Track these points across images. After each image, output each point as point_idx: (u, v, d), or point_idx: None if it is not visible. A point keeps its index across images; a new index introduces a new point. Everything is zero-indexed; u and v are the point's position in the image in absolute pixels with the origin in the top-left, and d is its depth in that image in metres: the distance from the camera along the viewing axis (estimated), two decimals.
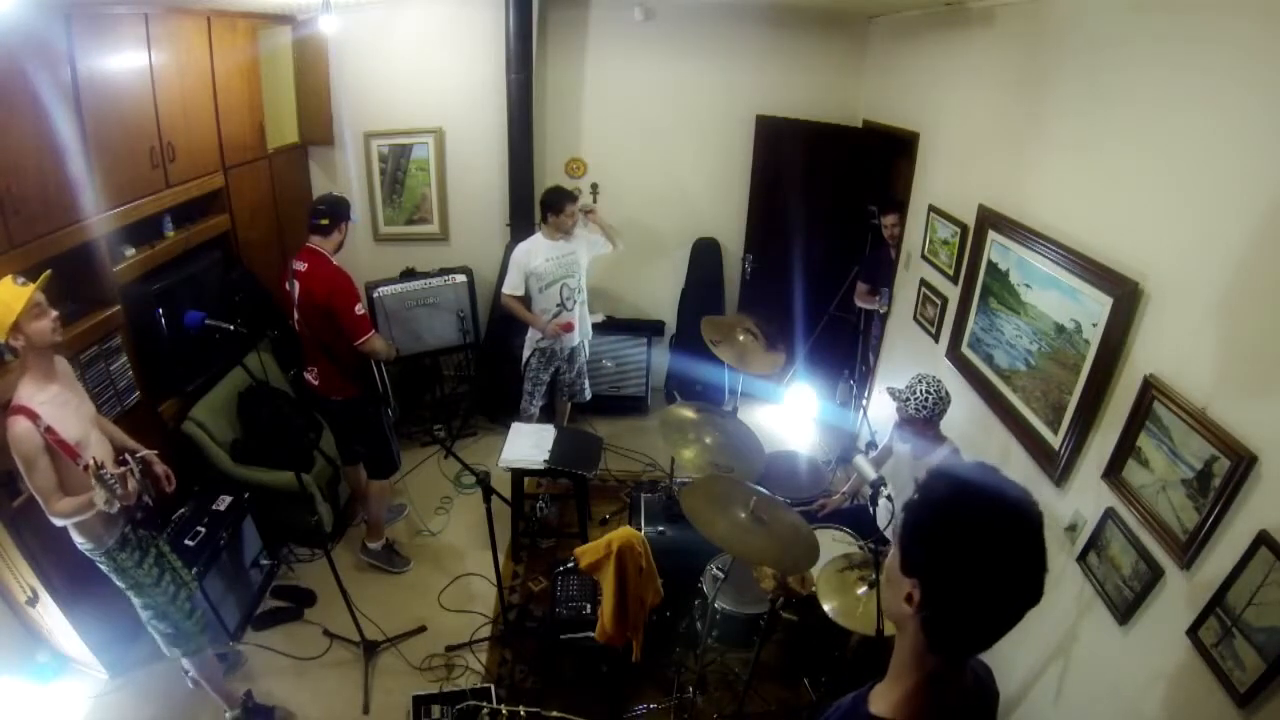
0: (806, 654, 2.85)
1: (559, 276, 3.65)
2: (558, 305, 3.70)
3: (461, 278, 4.41)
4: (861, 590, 2.34)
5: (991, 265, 2.78)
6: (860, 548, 2.78)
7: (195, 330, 2.37)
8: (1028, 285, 2.52)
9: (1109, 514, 2.00)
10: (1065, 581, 2.19)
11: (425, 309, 4.35)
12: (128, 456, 2.22)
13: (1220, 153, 1.69)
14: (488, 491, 2.58)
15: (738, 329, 3.42)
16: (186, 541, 2.76)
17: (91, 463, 1.91)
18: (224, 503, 3.00)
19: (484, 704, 2.56)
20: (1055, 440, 2.29)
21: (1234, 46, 1.66)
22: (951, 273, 3.17)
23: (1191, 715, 1.67)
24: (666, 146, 4.64)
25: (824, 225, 4.50)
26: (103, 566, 2.28)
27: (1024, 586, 0.86)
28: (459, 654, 2.99)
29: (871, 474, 2.12)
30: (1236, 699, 1.51)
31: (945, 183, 3.36)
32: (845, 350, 4.65)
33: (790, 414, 4.67)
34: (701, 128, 4.61)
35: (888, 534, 2.69)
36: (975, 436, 2.79)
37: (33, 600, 2.45)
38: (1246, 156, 1.61)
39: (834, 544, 2.79)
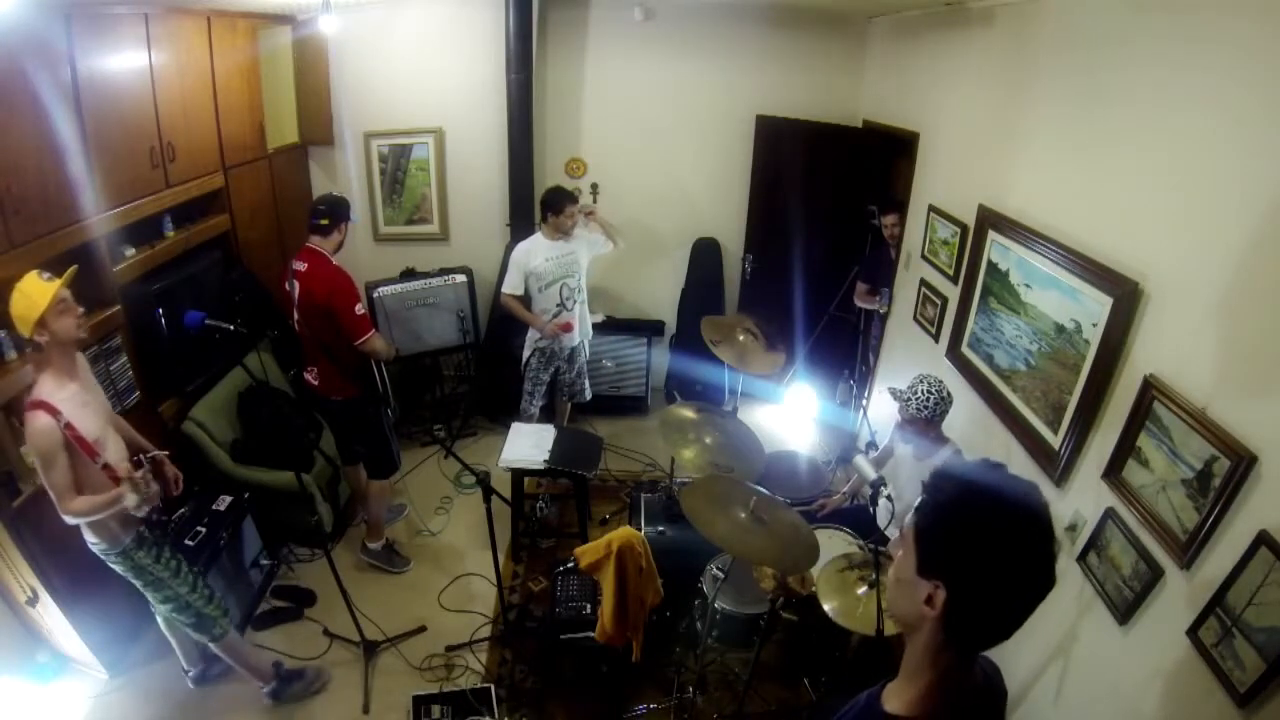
0: (806, 654, 2.85)
1: (559, 276, 3.65)
2: (557, 305, 3.69)
3: (461, 278, 4.41)
4: (861, 590, 2.34)
5: (991, 265, 2.78)
6: (860, 548, 2.78)
7: (195, 330, 2.37)
8: (1028, 285, 2.52)
9: (1109, 514, 2.00)
10: (1065, 581, 2.19)
11: (425, 309, 4.35)
12: (141, 457, 2.23)
13: (1220, 153, 1.69)
14: (488, 491, 2.58)
15: (738, 329, 3.42)
16: (186, 541, 2.76)
17: (129, 465, 1.92)
18: (224, 503, 3.00)
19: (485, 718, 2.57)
20: (1055, 440, 2.29)
21: (1234, 46, 1.66)
22: (951, 273, 3.17)
23: (1191, 715, 1.67)
24: (666, 146, 4.64)
25: (824, 225, 4.50)
26: (117, 567, 2.27)
27: (1043, 576, 0.88)
28: (459, 654, 2.99)
29: (871, 474, 2.13)
30: (1236, 699, 1.51)
31: (945, 183, 3.36)
32: (845, 350, 4.65)
33: (790, 414, 4.67)
34: (701, 128, 4.61)
35: (889, 533, 2.70)
36: (975, 437, 2.79)
37: (33, 600, 2.45)
38: (1246, 156, 1.61)
39: (834, 544, 2.79)
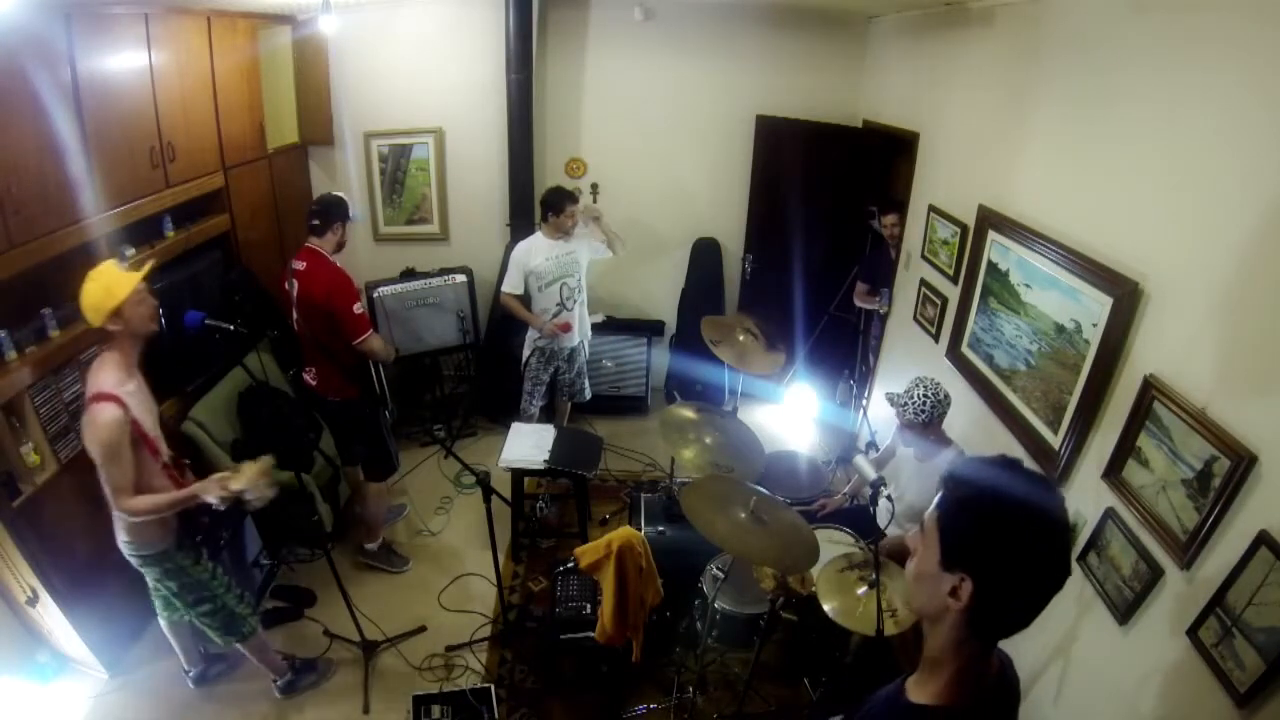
0: (806, 654, 2.85)
1: (559, 276, 3.65)
2: (557, 305, 3.70)
3: (461, 278, 4.41)
4: (861, 590, 2.33)
5: (991, 265, 2.78)
6: (860, 548, 2.78)
7: (195, 330, 2.37)
8: (1028, 285, 2.52)
9: (1109, 514, 2.00)
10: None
11: (425, 309, 4.35)
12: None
13: (1220, 152, 1.69)
14: (488, 491, 2.59)
15: (738, 329, 3.42)
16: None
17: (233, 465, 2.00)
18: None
19: None
20: (1055, 440, 2.29)
21: (1234, 46, 1.66)
22: (951, 273, 3.17)
23: (1191, 715, 1.67)
24: (666, 146, 4.64)
25: (824, 225, 4.50)
26: (151, 571, 2.26)
27: (1061, 564, 0.92)
28: (459, 654, 2.99)
29: (871, 474, 2.13)
30: (1236, 699, 1.52)
31: (945, 183, 3.36)
32: (845, 350, 4.65)
33: (790, 414, 4.67)
34: (701, 128, 4.61)
35: (889, 533, 2.70)
36: (975, 437, 2.79)
37: (33, 600, 2.45)
38: (1246, 156, 1.61)
39: (834, 544, 2.79)
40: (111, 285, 2.01)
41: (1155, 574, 1.81)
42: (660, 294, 4.99)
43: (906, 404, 2.49)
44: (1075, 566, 2.13)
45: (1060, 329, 2.30)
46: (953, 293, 3.15)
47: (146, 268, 2.12)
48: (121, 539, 2.21)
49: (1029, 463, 2.40)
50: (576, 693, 2.79)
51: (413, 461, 4.24)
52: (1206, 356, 1.70)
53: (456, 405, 4.78)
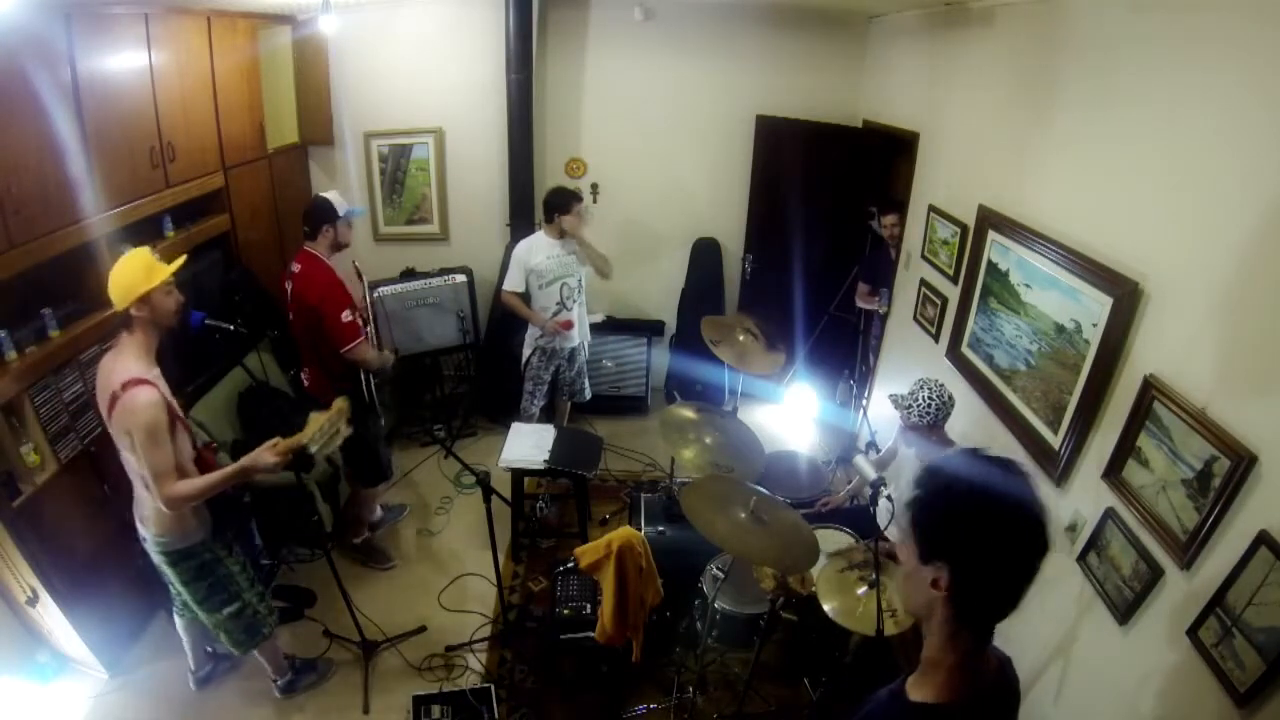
0: (806, 654, 2.85)
1: (559, 275, 3.65)
2: (557, 304, 3.69)
3: (461, 278, 4.41)
4: (861, 590, 2.34)
5: (991, 265, 2.78)
6: (863, 546, 2.78)
7: (195, 330, 2.36)
8: (1028, 285, 2.52)
9: (1109, 514, 2.00)
10: (1065, 581, 2.19)
11: (425, 309, 4.35)
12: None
13: (1220, 152, 1.69)
14: (488, 491, 2.59)
15: (738, 329, 3.42)
16: None
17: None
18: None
19: None
20: (1055, 440, 2.29)
21: (1234, 46, 1.66)
22: (951, 273, 3.17)
23: (1191, 715, 1.67)
24: (666, 146, 4.64)
25: (824, 225, 4.50)
26: (184, 571, 2.24)
27: (1035, 539, 0.94)
28: (459, 654, 2.99)
29: (872, 474, 2.12)
30: (1236, 699, 1.52)
31: (945, 183, 3.36)
32: (845, 350, 4.65)
33: (790, 414, 4.67)
34: (701, 128, 4.61)
35: (889, 534, 2.70)
36: (976, 437, 2.79)
37: (33, 600, 2.45)
38: (1246, 156, 1.61)
39: (834, 544, 2.79)
40: (151, 269, 2.02)
41: (1155, 574, 1.81)
42: (660, 294, 4.99)
43: (911, 406, 2.48)
44: (1077, 566, 2.13)
45: (1060, 329, 2.30)
46: (953, 293, 3.15)
47: (179, 261, 2.13)
48: (153, 535, 2.18)
49: (1029, 463, 2.41)
50: (576, 693, 2.79)
51: (413, 461, 4.24)
52: (1206, 356, 1.70)
53: (456, 405, 4.78)
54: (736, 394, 3.92)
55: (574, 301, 3.74)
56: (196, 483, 2.07)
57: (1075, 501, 2.19)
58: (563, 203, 3.54)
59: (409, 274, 4.41)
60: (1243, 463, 1.54)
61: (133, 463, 2.06)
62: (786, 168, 4.49)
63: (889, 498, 2.03)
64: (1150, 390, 1.85)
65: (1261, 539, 1.49)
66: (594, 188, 4.73)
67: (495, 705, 2.69)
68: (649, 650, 2.70)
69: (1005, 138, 2.77)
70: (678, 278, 4.95)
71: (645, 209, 4.78)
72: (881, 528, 2.39)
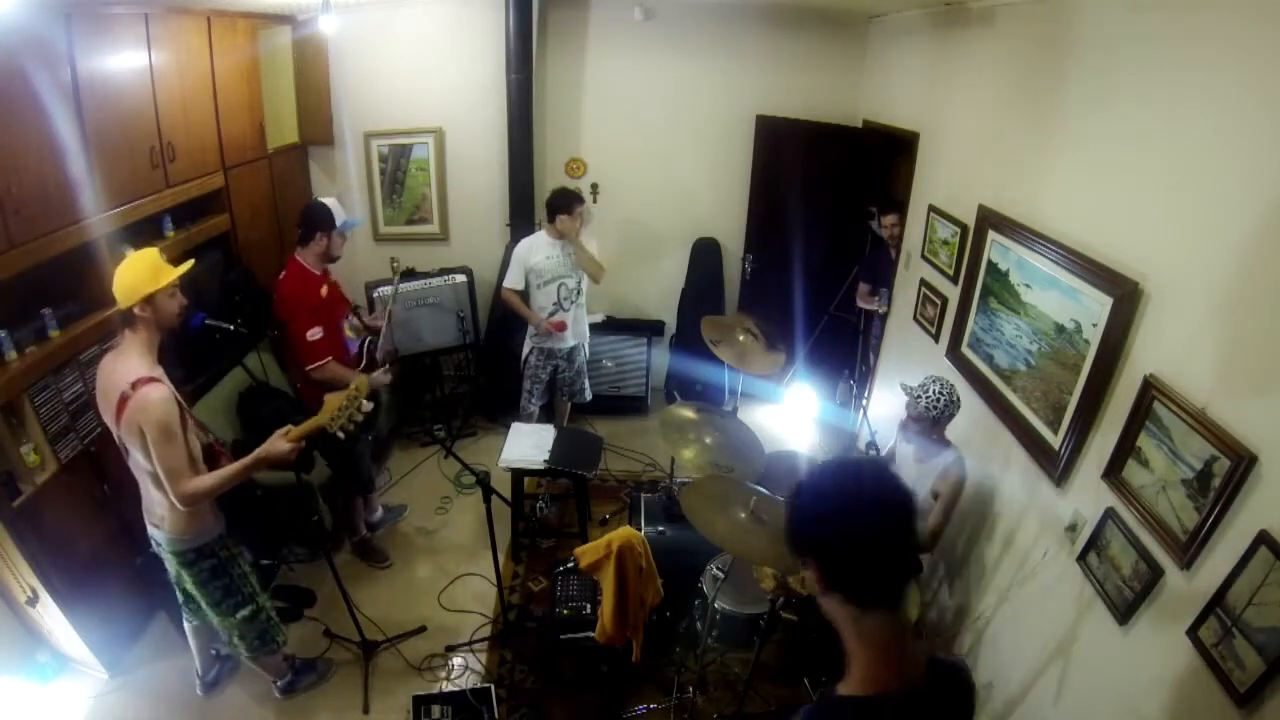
0: (806, 654, 2.85)
1: (558, 275, 3.66)
2: (554, 304, 3.70)
3: (461, 278, 4.41)
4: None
5: (991, 265, 2.78)
6: None
7: (195, 330, 2.37)
8: (1028, 285, 2.52)
9: (1109, 514, 2.00)
10: (1065, 581, 2.19)
11: (425, 309, 4.35)
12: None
13: (1220, 152, 1.69)
14: (488, 491, 2.59)
15: (738, 329, 3.42)
16: None
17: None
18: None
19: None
20: (1055, 440, 2.29)
21: (1234, 46, 1.66)
22: (951, 273, 3.17)
23: (1191, 715, 1.67)
24: (666, 146, 4.64)
25: (824, 225, 4.50)
26: (199, 571, 2.24)
27: (879, 521, 1.02)
28: (459, 654, 2.99)
29: None
30: (1236, 699, 1.51)
31: (945, 183, 3.36)
32: (845, 350, 4.65)
33: (790, 414, 4.65)
34: (701, 128, 4.61)
35: None
36: (975, 437, 2.79)
37: (33, 600, 2.45)
38: (1246, 156, 1.61)
39: None
40: (158, 269, 2.02)
41: (1155, 574, 1.81)
42: (660, 294, 4.99)
43: (920, 396, 2.52)
44: (1076, 566, 2.13)
45: (1060, 329, 2.30)
46: (953, 293, 3.15)
47: (187, 265, 2.13)
48: (167, 536, 2.18)
49: (1029, 463, 2.42)
50: (576, 693, 2.79)
51: (413, 461, 4.24)
52: (1206, 356, 1.70)
53: (456, 405, 4.78)
54: (736, 394, 3.92)
55: (571, 303, 3.74)
56: (211, 477, 2.07)
57: (1075, 501, 2.19)
58: (563, 204, 3.55)
59: (409, 274, 4.40)
60: (1243, 463, 1.54)
61: (142, 463, 2.06)
62: (786, 168, 4.49)
63: None
64: (1150, 390, 1.85)
65: (1261, 539, 1.49)
66: (594, 188, 4.73)
67: (495, 705, 2.69)
68: (649, 650, 2.70)
69: (1005, 138, 2.77)
70: (678, 278, 4.95)
71: (645, 209, 4.78)
72: None
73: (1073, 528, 2.17)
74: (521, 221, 4.40)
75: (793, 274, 4.52)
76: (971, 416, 2.84)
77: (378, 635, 2.98)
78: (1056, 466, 2.26)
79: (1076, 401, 2.19)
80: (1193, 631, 1.66)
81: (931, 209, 3.42)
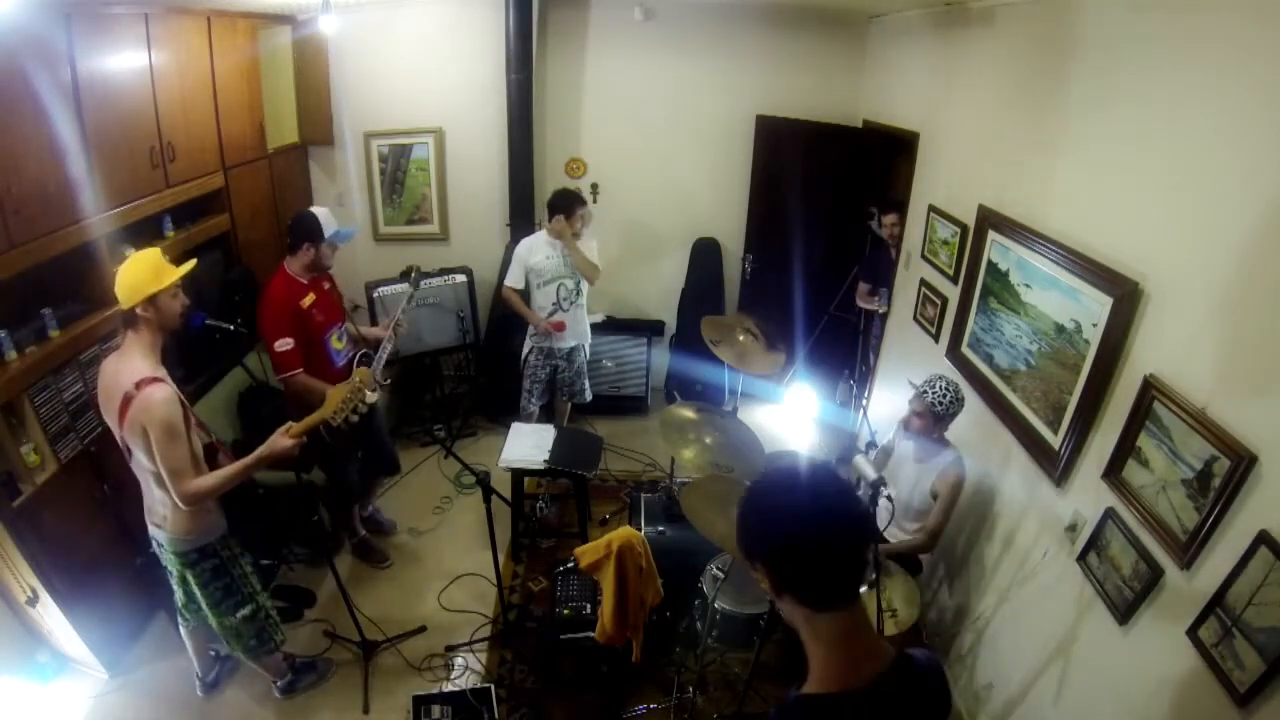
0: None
1: (557, 275, 3.66)
2: (553, 304, 3.71)
3: (461, 278, 4.41)
4: (861, 590, 2.33)
5: (991, 265, 2.78)
6: None
7: (196, 330, 2.36)
8: (1028, 285, 2.52)
9: (1109, 514, 2.00)
10: (1065, 581, 2.19)
11: (425, 309, 4.35)
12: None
13: (1220, 152, 1.69)
14: (488, 491, 2.59)
15: (738, 329, 3.42)
16: None
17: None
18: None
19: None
20: (1055, 440, 2.29)
21: (1234, 46, 1.66)
22: (951, 273, 3.17)
23: (1191, 715, 1.67)
24: (666, 146, 4.64)
25: (824, 225, 4.50)
26: (201, 571, 2.24)
27: (813, 522, 1.03)
28: (459, 654, 2.99)
29: (872, 474, 2.12)
30: (1236, 699, 1.52)
31: (945, 183, 3.36)
32: (845, 350, 4.65)
33: (790, 414, 4.66)
34: (701, 127, 4.61)
35: (887, 534, 2.70)
36: (975, 437, 2.79)
37: (33, 600, 2.45)
38: (1246, 156, 1.61)
39: None
40: (160, 270, 2.02)
41: (1155, 574, 1.81)
42: (660, 294, 4.99)
43: (927, 391, 2.55)
44: (1076, 566, 2.13)
45: (1060, 329, 2.30)
46: (953, 293, 3.15)
47: (189, 265, 2.13)
48: (169, 536, 2.17)
49: (1030, 463, 2.42)
50: (576, 693, 2.79)
51: (413, 461, 4.24)
52: (1206, 356, 1.70)
53: (456, 405, 4.78)
54: (736, 394, 3.91)
55: (570, 303, 3.74)
56: (214, 477, 2.07)
57: (1075, 501, 2.19)
58: (563, 205, 3.55)
59: (409, 274, 4.40)
60: (1243, 463, 1.54)
61: (145, 464, 2.06)
62: (786, 168, 4.49)
63: (889, 498, 2.03)
64: (1150, 390, 1.85)
65: (1261, 539, 1.49)
66: (594, 188, 4.73)
67: (495, 705, 2.69)
68: (649, 650, 2.70)
69: (1005, 138, 2.77)
70: (678, 278, 4.95)
71: (645, 209, 4.78)
72: (881, 528, 2.39)
73: (1073, 528, 2.17)
74: (521, 221, 4.40)
75: (793, 274, 4.51)
76: (971, 416, 2.84)
77: (378, 635, 2.98)
78: (1056, 466, 2.26)
79: (1076, 401, 2.19)
80: (1193, 631, 1.66)
81: (931, 209, 3.42)
